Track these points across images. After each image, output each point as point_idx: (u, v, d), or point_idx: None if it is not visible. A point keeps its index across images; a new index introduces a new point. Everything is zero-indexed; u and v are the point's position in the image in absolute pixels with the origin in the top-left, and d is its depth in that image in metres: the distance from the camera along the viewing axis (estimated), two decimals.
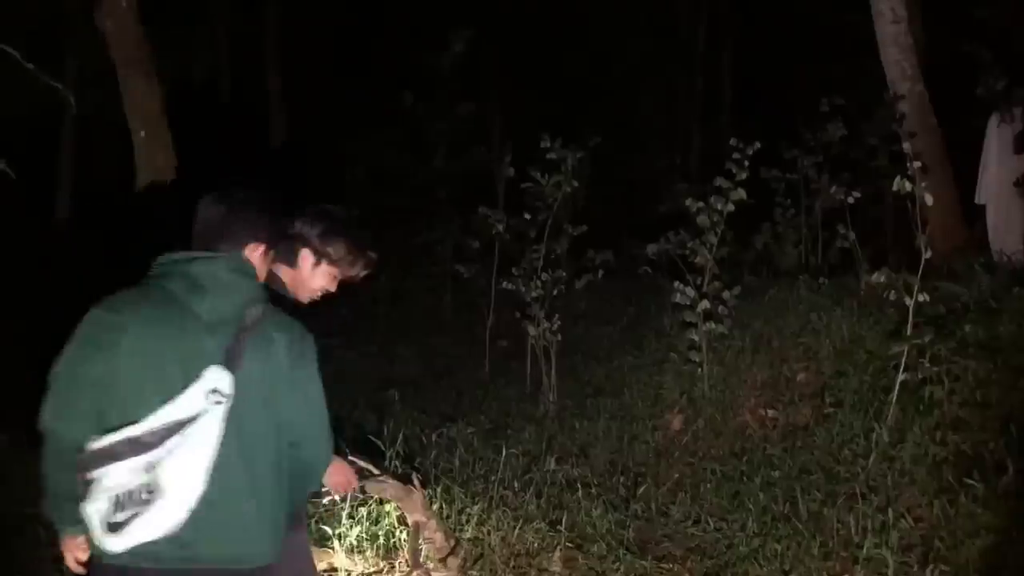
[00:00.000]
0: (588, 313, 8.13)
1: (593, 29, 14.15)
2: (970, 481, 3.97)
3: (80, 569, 2.46)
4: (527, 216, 6.74)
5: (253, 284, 2.34)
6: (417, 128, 9.95)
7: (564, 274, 6.53)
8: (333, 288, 3.05)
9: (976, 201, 7.05)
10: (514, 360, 7.35)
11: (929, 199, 4.71)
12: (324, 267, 2.97)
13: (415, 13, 12.91)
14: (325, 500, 4.06)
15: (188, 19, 12.58)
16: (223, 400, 2.14)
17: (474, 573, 3.94)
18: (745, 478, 4.64)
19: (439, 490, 4.55)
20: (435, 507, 4.22)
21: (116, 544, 2.10)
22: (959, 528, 3.80)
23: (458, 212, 9.25)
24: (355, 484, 3.22)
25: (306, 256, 2.95)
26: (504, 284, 6.67)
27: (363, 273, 3.08)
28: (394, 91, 10.01)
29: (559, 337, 6.33)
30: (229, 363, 2.18)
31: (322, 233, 2.95)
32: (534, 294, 6.34)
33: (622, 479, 4.91)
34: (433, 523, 3.92)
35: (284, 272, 2.95)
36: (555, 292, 6.45)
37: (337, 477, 3.06)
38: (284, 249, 2.92)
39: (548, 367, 6.33)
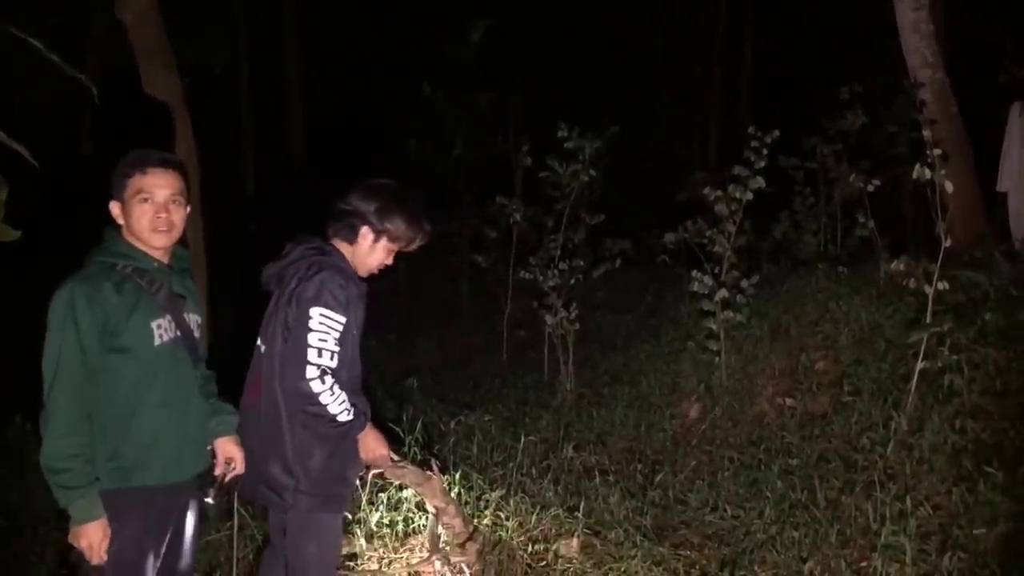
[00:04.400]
0: (605, 302, 8.15)
1: (612, 18, 14.11)
2: (989, 469, 3.96)
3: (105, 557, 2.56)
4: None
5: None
6: (436, 117, 9.97)
7: (582, 263, 6.55)
8: (390, 262, 3.09)
9: (997, 189, 7.00)
10: (531, 349, 7.38)
11: (949, 187, 4.67)
12: (383, 243, 3.01)
13: (434, 2, 12.90)
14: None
15: (207, 9, 12.62)
16: None
17: (492, 558, 3.97)
18: (763, 466, 4.65)
19: (458, 476, 4.59)
20: (454, 493, 4.25)
21: None
22: (978, 516, 3.79)
23: (476, 201, 9.27)
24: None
25: (366, 234, 2.99)
26: (522, 273, 6.70)
27: (419, 245, 3.10)
28: (413, 80, 10.03)
29: (576, 326, 6.35)
30: None
31: (379, 210, 2.98)
32: (551, 283, 6.35)
33: (639, 466, 4.93)
34: (452, 509, 3.94)
35: (345, 249, 3.00)
36: (572, 281, 6.47)
37: (379, 450, 3.14)
38: (342, 226, 3.00)
39: (565, 356, 6.35)
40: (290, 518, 3.00)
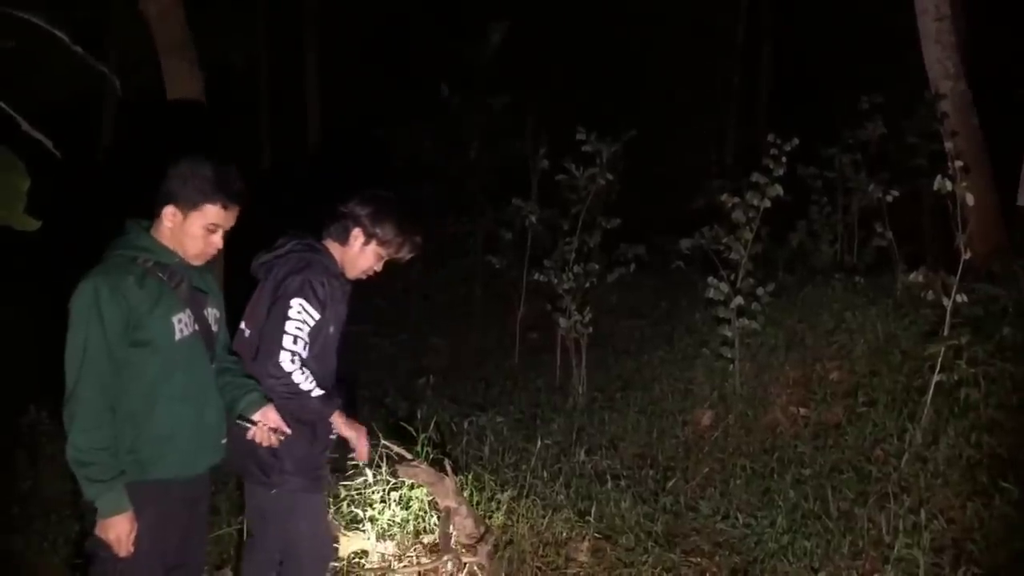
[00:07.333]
0: (619, 307, 8.12)
1: (631, 22, 14.09)
2: (1005, 484, 3.93)
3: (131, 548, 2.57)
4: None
5: None
6: (453, 119, 9.97)
7: (596, 267, 6.53)
8: (379, 268, 3.22)
9: (1017, 202, 6.94)
10: (544, 352, 7.36)
11: (969, 199, 4.64)
12: (373, 247, 3.15)
13: (453, 3, 12.92)
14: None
15: (229, 5, 12.67)
16: None
17: (503, 560, 3.96)
18: (775, 475, 4.62)
19: (470, 477, 4.59)
20: (466, 494, 4.25)
21: None
22: (992, 531, 3.77)
23: (491, 203, 9.26)
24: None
25: (357, 235, 3.14)
26: (536, 276, 6.68)
27: (408, 256, 3.25)
28: (431, 81, 10.03)
29: (590, 330, 6.33)
30: None
31: (372, 214, 3.12)
32: (566, 286, 6.34)
33: (651, 472, 4.92)
34: (464, 509, 3.95)
35: (335, 249, 3.16)
36: (587, 285, 6.45)
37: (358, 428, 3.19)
38: (337, 228, 3.16)
39: (578, 359, 6.33)
40: (275, 498, 3.09)
